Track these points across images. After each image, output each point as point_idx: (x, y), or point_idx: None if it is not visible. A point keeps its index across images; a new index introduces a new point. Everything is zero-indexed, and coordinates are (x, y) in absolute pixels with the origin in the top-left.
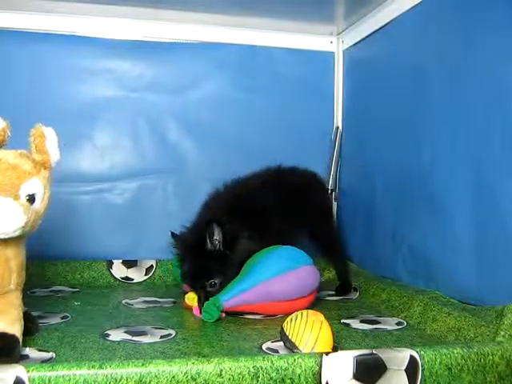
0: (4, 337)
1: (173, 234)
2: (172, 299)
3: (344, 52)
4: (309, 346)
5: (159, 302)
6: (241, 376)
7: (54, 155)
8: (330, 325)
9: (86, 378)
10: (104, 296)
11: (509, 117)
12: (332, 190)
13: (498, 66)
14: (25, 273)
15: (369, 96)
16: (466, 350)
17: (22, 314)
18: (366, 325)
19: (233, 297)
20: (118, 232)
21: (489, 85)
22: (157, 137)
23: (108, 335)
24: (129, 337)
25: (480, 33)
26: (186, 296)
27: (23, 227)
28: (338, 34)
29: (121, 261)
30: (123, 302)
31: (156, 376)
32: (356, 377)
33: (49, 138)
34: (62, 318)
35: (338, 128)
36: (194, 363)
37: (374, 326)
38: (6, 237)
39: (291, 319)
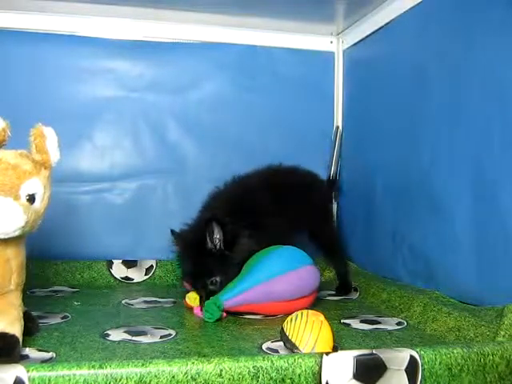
0: (4, 337)
1: (173, 231)
2: (172, 299)
3: (344, 52)
4: (309, 346)
5: (159, 302)
6: (241, 376)
7: (54, 155)
8: (330, 325)
9: (86, 378)
10: (104, 296)
11: (509, 117)
12: (332, 190)
13: (498, 66)
14: (25, 273)
15: (369, 96)
16: (466, 350)
17: (21, 314)
18: (366, 325)
19: (233, 296)
20: (117, 232)
21: (489, 85)
22: (157, 137)
23: (108, 335)
24: (129, 337)
25: (480, 33)
26: (187, 296)
27: (23, 227)
28: (338, 33)
29: (121, 261)
30: (123, 302)
31: (156, 376)
32: (356, 377)
33: (49, 138)
34: (62, 318)
35: (338, 128)
36: (194, 363)
37: (374, 326)
38: (6, 237)
39: (291, 319)
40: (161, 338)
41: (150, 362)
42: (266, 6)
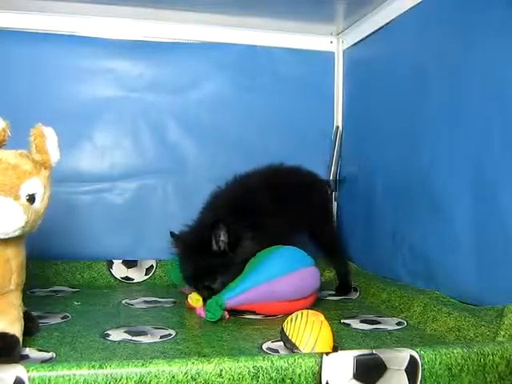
0: (4, 337)
1: (172, 233)
2: (172, 299)
3: (344, 52)
4: (309, 346)
5: (159, 302)
6: (241, 376)
7: (54, 155)
8: (330, 325)
9: (86, 378)
10: (104, 296)
11: (509, 117)
12: (332, 190)
13: (498, 66)
14: (25, 273)
15: (369, 96)
16: (466, 350)
17: (22, 314)
18: (366, 325)
19: (235, 295)
20: (118, 232)
21: (489, 85)
22: (157, 137)
23: (108, 335)
24: (129, 337)
25: (480, 33)
26: (190, 296)
27: (23, 227)
28: (338, 33)
29: (121, 261)
30: (123, 302)
31: (156, 376)
32: (356, 377)
33: (49, 138)
34: (62, 318)
35: (338, 128)
36: (194, 363)
37: (374, 326)
38: (6, 237)
39: (291, 319)
40: (161, 338)
41: (150, 362)
42: (266, 6)
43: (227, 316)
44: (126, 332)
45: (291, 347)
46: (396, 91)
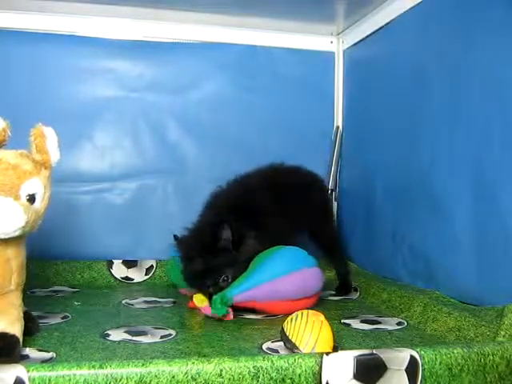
0: (4, 337)
1: (176, 236)
2: (172, 299)
3: (344, 52)
4: (309, 346)
5: (159, 302)
6: (241, 376)
7: (54, 155)
8: (330, 325)
9: (87, 378)
10: (104, 296)
11: (509, 117)
12: (332, 190)
13: (498, 66)
14: (25, 273)
15: (369, 96)
16: (466, 350)
17: (22, 314)
18: (366, 325)
19: (240, 292)
20: (118, 232)
21: (489, 85)
22: (157, 137)
23: (108, 335)
24: (129, 337)
25: (480, 33)
26: (195, 297)
27: (23, 227)
28: (339, 33)
29: (121, 261)
30: (123, 302)
31: (156, 376)
32: (356, 377)
33: (49, 138)
34: (63, 318)
35: (338, 128)
36: (194, 363)
37: (375, 326)
38: (7, 237)
39: (291, 319)
40: (161, 338)
41: (150, 362)
42: (266, 6)
43: (231, 317)
44: (126, 332)
45: (291, 347)
46: (396, 91)
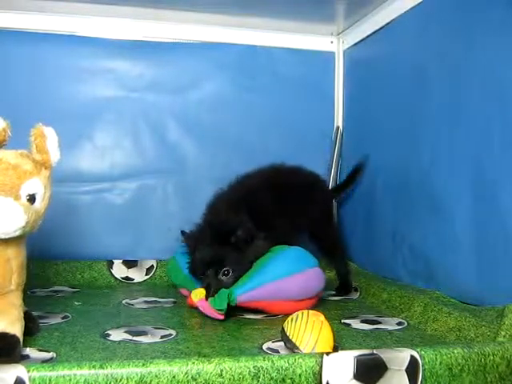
0: (5, 337)
1: (183, 232)
2: (172, 299)
3: (344, 52)
4: (309, 346)
5: (160, 302)
6: (241, 376)
7: (54, 155)
8: (330, 325)
9: (87, 378)
10: (104, 296)
11: (509, 117)
12: (332, 190)
13: (498, 66)
14: (25, 273)
15: (369, 96)
16: (466, 350)
17: (22, 314)
18: (366, 325)
19: (244, 292)
20: (118, 232)
21: (489, 85)
22: (157, 137)
23: (108, 335)
24: (129, 337)
25: (480, 33)
26: (193, 291)
27: (24, 227)
28: (339, 33)
29: (121, 261)
30: (124, 302)
31: (156, 376)
32: (356, 377)
33: (49, 138)
34: (63, 318)
35: (338, 128)
36: (194, 363)
37: (375, 326)
38: (7, 237)
39: (292, 319)
40: (161, 338)
41: (150, 362)
42: (266, 6)
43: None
44: (126, 332)
45: (292, 347)
46: (396, 91)
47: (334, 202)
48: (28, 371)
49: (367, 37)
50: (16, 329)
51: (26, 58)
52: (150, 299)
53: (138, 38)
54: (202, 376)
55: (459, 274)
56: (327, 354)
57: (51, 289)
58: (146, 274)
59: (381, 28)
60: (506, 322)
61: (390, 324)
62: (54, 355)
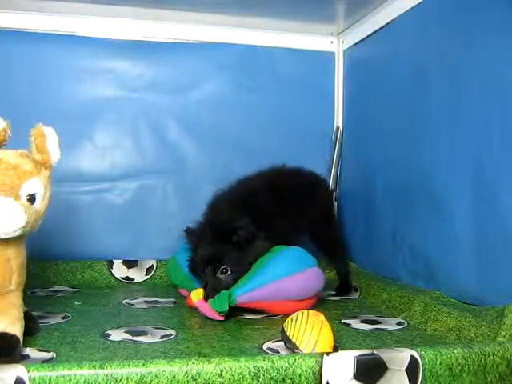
0: (5, 337)
1: (187, 228)
2: (172, 299)
3: (344, 52)
4: (309, 346)
5: (160, 302)
6: (241, 376)
7: (54, 155)
8: (330, 325)
9: (87, 378)
10: (104, 296)
11: (509, 117)
12: (332, 190)
13: (498, 66)
14: (25, 273)
15: (369, 96)
16: (466, 350)
17: (22, 314)
18: (366, 325)
19: (245, 292)
20: (118, 232)
21: (489, 85)
22: (157, 137)
23: (108, 335)
24: (129, 337)
25: (480, 33)
26: (192, 292)
27: (24, 227)
28: (339, 33)
29: (121, 261)
30: (124, 302)
31: (157, 376)
32: (357, 377)
33: (49, 138)
34: (63, 318)
35: (338, 128)
36: (194, 363)
37: (375, 326)
38: (7, 237)
39: (292, 319)
40: (161, 338)
41: (150, 362)
42: (266, 6)
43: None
44: (126, 332)
45: (292, 347)
46: (396, 91)
47: (334, 202)
48: (28, 371)
49: (367, 37)
50: (16, 329)
51: (25, 58)
52: (150, 299)
53: (138, 38)
54: (201, 376)
55: (459, 274)
56: (327, 353)
57: (51, 289)
58: (146, 274)
59: (381, 28)
60: (506, 322)
61: (390, 324)
62: (54, 355)
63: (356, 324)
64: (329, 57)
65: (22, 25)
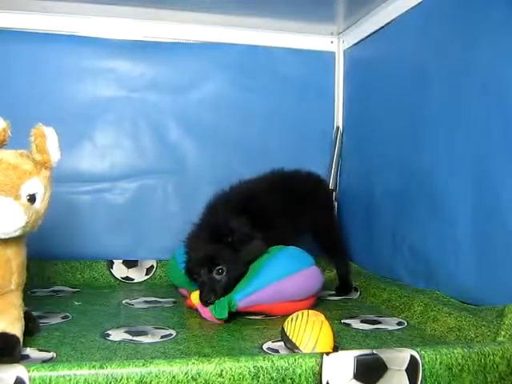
0: (5, 337)
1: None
2: (173, 299)
3: (344, 52)
4: (309, 346)
5: (160, 302)
6: (241, 376)
7: (54, 155)
8: (330, 325)
9: (87, 378)
10: (104, 296)
11: (509, 117)
12: (332, 190)
13: (498, 66)
14: (25, 273)
15: (369, 96)
16: (466, 350)
17: (22, 314)
18: (366, 325)
19: (245, 297)
20: (118, 232)
21: (489, 85)
22: (157, 137)
23: (108, 335)
24: (129, 337)
25: (480, 33)
26: (192, 294)
27: (24, 227)
28: (339, 33)
29: (121, 261)
30: (124, 302)
31: (157, 376)
32: (356, 377)
33: (49, 138)
34: (63, 318)
35: (338, 128)
36: (194, 363)
37: (375, 326)
38: (7, 237)
39: (292, 319)
40: (161, 337)
41: (150, 362)
42: (267, 6)
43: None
44: (126, 332)
45: (292, 347)
46: (396, 91)
47: (334, 202)
48: (28, 371)
49: (367, 37)
50: (16, 329)
51: (26, 58)
52: (150, 299)
53: (138, 38)
54: (202, 376)
55: (459, 274)
56: (327, 353)
57: (51, 289)
58: (146, 274)
59: (381, 28)
60: (506, 322)
61: (390, 324)
62: (54, 355)
63: (356, 324)
64: (329, 57)
65: (22, 25)
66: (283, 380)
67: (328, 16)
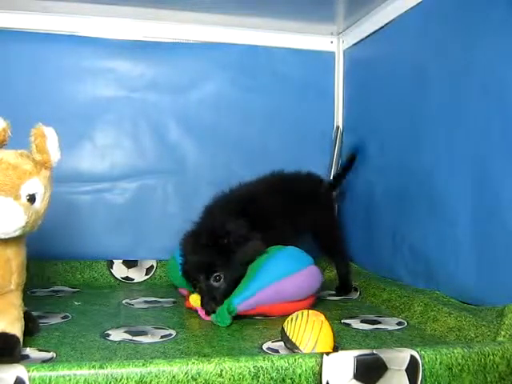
0: (4, 337)
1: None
2: (173, 299)
3: (344, 52)
4: (309, 346)
5: (160, 302)
6: (241, 376)
7: (54, 155)
8: (330, 325)
9: (87, 378)
10: (104, 296)
11: (509, 117)
12: (332, 191)
13: (498, 66)
14: (25, 273)
15: (369, 96)
16: (466, 350)
17: (22, 314)
18: (366, 325)
19: (244, 300)
20: (118, 232)
21: (489, 85)
22: (157, 137)
23: (108, 335)
24: (129, 337)
25: (480, 33)
26: (191, 297)
27: (24, 227)
28: (339, 33)
29: (121, 261)
30: (124, 302)
31: (156, 376)
32: (356, 377)
33: (49, 138)
34: (63, 318)
35: (338, 128)
36: (194, 363)
37: (375, 326)
38: (7, 237)
39: (292, 319)
40: (161, 337)
41: (150, 362)
42: (267, 6)
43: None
44: (126, 332)
45: (291, 347)
46: (396, 91)
47: (336, 203)
48: (28, 371)
49: (367, 37)
50: (16, 329)
51: (26, 58)
52: (149, 299)
53: (138, 38)
54: (201, 376)
55: (459, 274)
56: (327, 354)
57: (51, 289)
58: (146, 274)
59: (381, 28)
60: (506, 322)
61: (390, 324)
62: (54, 355)
63: (356, 324)
64: (329, 57)
65: (22, 25)
66: (283, 380)
67: (328, 16)
